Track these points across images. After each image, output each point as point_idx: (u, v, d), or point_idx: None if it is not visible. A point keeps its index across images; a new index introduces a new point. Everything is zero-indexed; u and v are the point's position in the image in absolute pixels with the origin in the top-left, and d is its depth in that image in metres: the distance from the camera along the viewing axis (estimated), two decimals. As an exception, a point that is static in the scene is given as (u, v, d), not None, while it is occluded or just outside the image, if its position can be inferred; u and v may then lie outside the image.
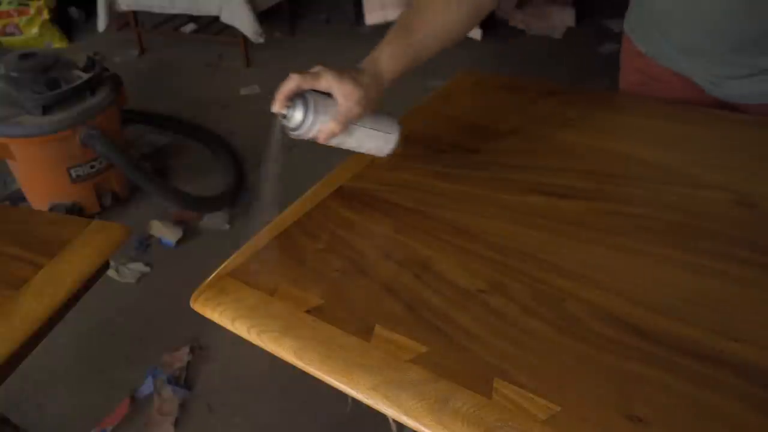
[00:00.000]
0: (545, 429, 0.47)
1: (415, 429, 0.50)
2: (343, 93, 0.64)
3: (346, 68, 0.66)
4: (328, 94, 0.65)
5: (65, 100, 1.82)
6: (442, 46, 0.74)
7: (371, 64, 0.69)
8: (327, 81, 0.64)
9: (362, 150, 0.73)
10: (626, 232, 0.67)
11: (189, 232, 2.00)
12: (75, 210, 1.97)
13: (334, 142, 0.68)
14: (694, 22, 0.83)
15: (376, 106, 0.69)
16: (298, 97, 0.64)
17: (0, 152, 1.82)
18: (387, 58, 0.69)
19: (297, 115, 0.64)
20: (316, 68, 0.65)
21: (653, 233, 0.67)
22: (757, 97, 0.88)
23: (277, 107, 0.64)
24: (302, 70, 0.65)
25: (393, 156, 0.74)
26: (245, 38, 2.97)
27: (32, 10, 3.30)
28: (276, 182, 0.66)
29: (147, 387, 1.48)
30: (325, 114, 0.64)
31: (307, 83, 0.64)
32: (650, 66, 0.98)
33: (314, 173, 0.82)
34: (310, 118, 0.64)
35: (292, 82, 0.63)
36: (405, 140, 0.74)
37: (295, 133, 0.65)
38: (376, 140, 0.71)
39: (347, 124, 0.66)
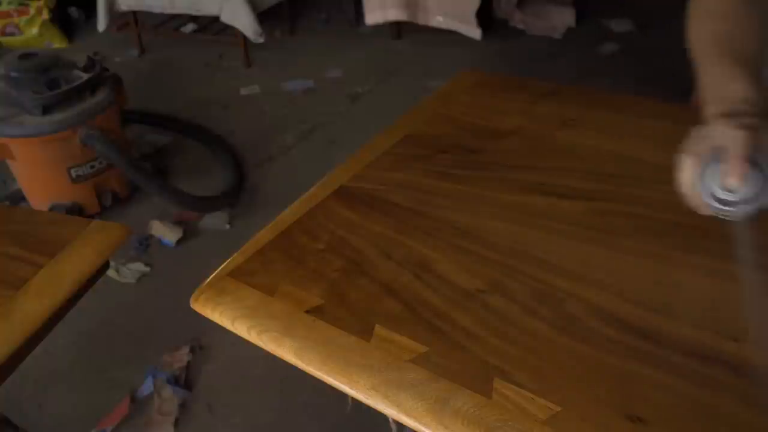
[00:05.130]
0: (545, 429, 0.47)
1: (415, 429, 0.50)
2: None
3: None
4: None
5: (65, 100, 1.82)
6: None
7: (754, 106, 0.53)
8: None
9: None
10: (626, 232, 0.67)
11: (189, 232, 1.99)
12: (75, 210, 1.97)
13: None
14: None
15: None
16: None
17: (0, 152, 1.82)
18: (755, 94, 0.54)
19: (755, 184, 0.49)
20: (747, 120, 0.50)
21: (653, 233, 0.67)
22: None
23: (737, 178, 0.49)
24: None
25: (393, 156, 0.74)
26: (245, 38, 2.97)
27: (32, 10, 3.30)
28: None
29: (147, 387, 1.48)
30: None
31: (754, 142, 0.48)
32: None
33: (314, 173, 0.82)
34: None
35: (742, 144, 0.48)
36: (405, 140, 0.74)
37: (738, 208, 0.51)
38: None
39: None
